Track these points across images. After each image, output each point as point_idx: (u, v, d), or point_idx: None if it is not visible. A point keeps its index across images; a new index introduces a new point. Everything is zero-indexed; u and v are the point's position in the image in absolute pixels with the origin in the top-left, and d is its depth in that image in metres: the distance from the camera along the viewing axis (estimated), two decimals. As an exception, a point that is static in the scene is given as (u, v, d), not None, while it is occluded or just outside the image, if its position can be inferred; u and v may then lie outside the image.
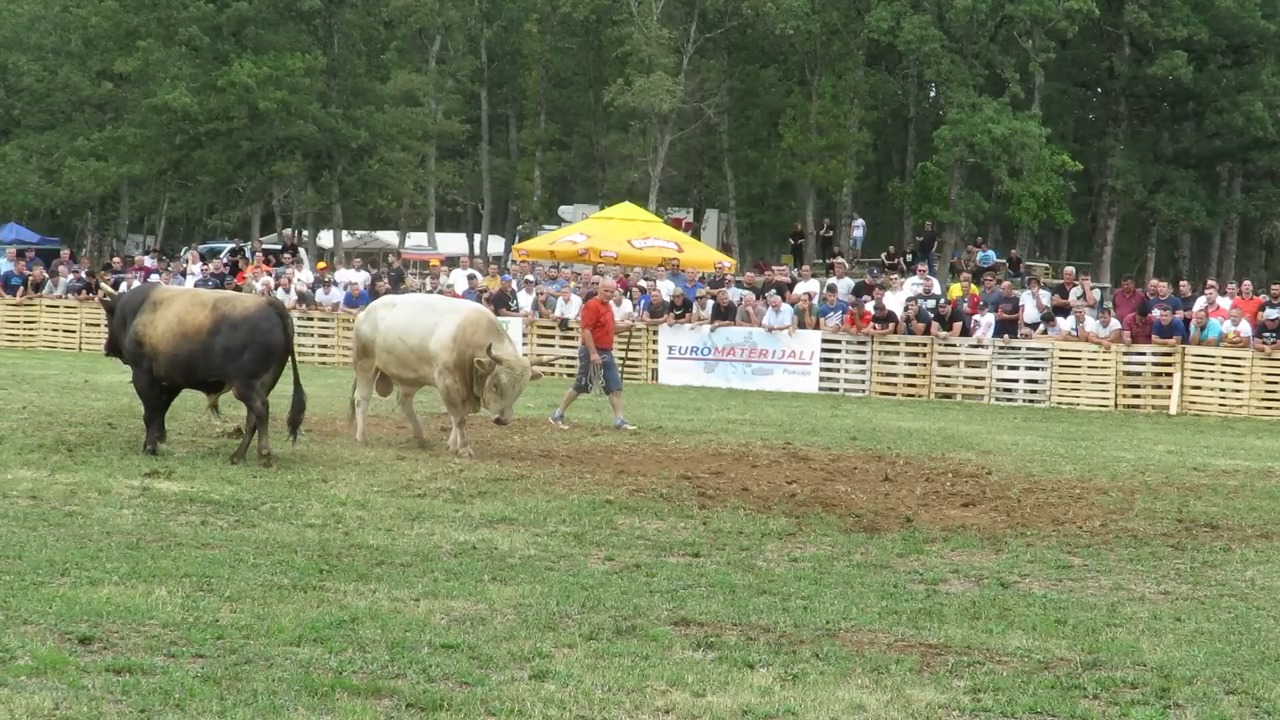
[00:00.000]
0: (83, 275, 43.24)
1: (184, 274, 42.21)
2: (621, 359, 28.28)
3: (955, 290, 38.89)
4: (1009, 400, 33.63)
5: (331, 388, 30.53)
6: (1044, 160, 58.29)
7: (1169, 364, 32.76)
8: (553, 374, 32.86)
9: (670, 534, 14.45)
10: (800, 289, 38.01)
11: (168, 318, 18.87)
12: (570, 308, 37.09)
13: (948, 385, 34.35)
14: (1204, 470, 21.47)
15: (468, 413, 20.20)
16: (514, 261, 44.69)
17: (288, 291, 39.95)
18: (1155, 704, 9.06)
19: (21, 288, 42.27)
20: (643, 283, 38.88)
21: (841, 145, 65.37)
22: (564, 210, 69.74)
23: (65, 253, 51.16)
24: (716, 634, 10.31)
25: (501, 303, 37.44)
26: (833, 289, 37.12)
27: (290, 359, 18.86)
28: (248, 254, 53.12)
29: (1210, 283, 40.14)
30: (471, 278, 40.76)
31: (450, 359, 19.64)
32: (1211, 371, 32.75)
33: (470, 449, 19.73)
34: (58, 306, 41.69)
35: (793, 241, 64.43)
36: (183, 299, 19.42)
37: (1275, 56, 62.68)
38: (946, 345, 34.35)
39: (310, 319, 39.14)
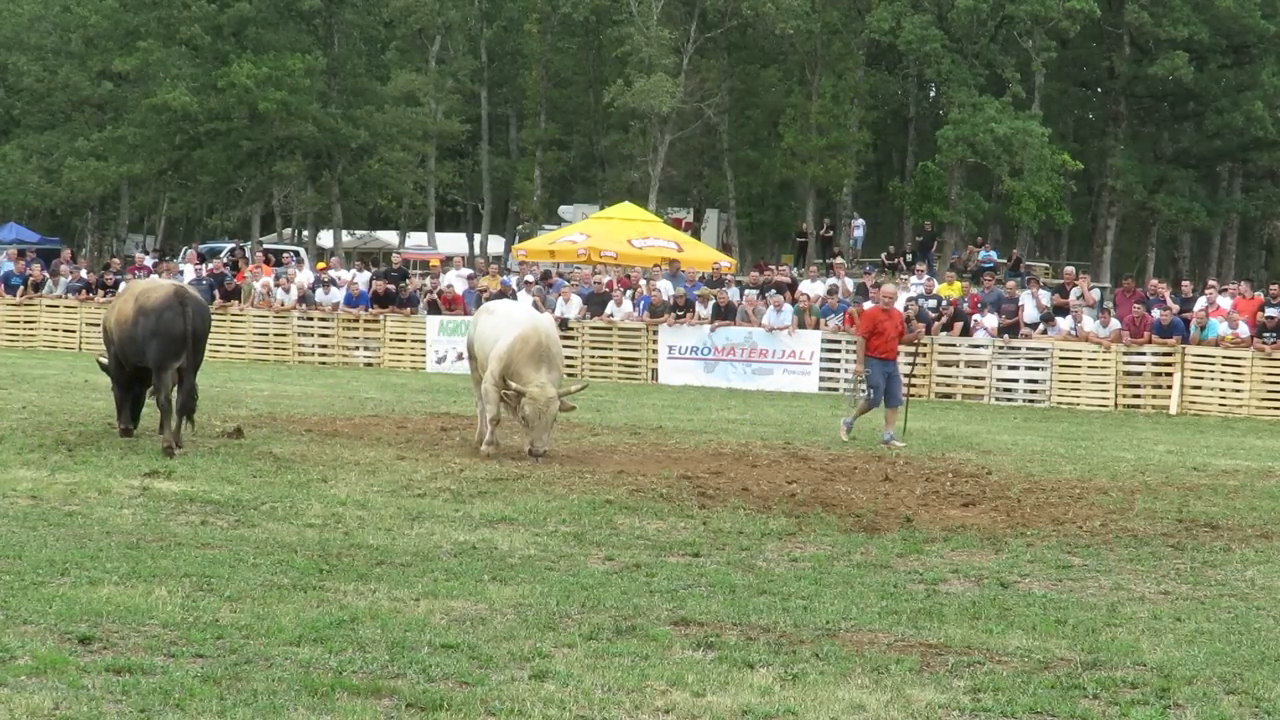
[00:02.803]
0: (82, 275, 43.24)
1: (179, 273, 42.10)
2: (908, 375, 26.17)
3: (946, 290, 38.72)
4: (1009, 400, 33.63)
5: (331, 388, 30.59)
6: (1045, 160, 58.37)
7: (1169, 364, 32.76)
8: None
9: (670, 534, 14.44)
10: (806, 289, 37.92)
11: (118, 306, 20.07)
12: (570, 308, 37.09)
13: (948, 385, 34.36)
14: (1204, 470, 21.45)
15: (500, 415, 20.08)
16: (521, 263, 44.71)
17: (287, 292, 39.96)
18: (1155, 704, 9.04)
19: (21, 287, 42.27)
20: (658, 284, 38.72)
21: (841, 145, 65.48)
22: (564, 210, 69.83)
23: (66, 252, 51.20)
24: (716, 634, 10.30)
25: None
26: (833, 290, 37.10)
27: (194, 348, 19.26)
28: (247, 254, 53.13)
29: (1211, 282, 40.14)
30: (471, 277, 40.78)
31: (496, 368, 19.81)
32: (1211, 371, 32.73)
33: (491, 449, 19.63)
34: (58, 306, 41.70)
35: (799, 239, 64.48)
36: (132, 289, 20.51)
37: (1275, 56, 62.80)
38: (946, 345, 34.37)
39: (310, 319, 39.15)
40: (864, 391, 23.86)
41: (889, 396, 23.76)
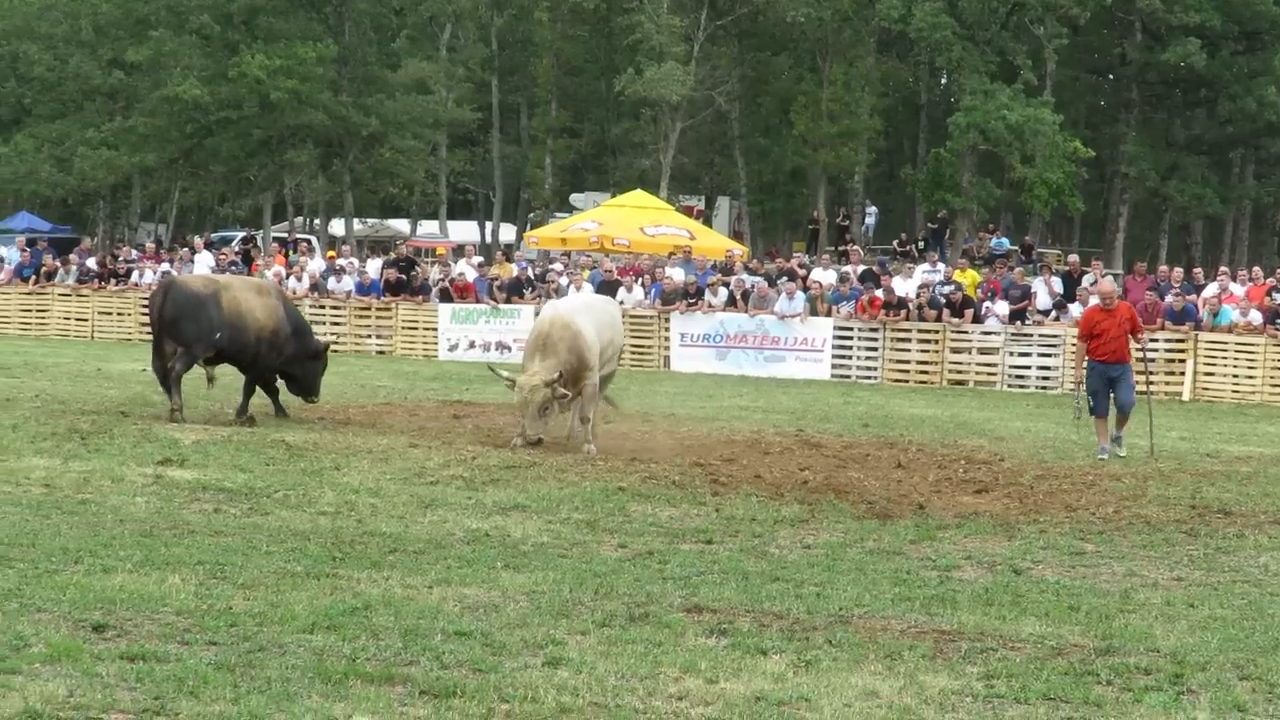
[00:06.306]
0: (89, 265, 43.12)
1: (189, 264, 41.99)
2: (1142, 375, 23.32)
3: (962, 276, 38.48)
4: (1021, 387, 33.57)
5: (343, 376, 30.55)
6: (1056, 147, 58.25)
7: (1181, 350, 32.69)
8: None
9: (683, 521, 14.45)
10: (820, 277, 37.75)
11: None
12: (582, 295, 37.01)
13: (960, 372, 34.32)
14: (1217, 456, 21.46)
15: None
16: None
17: (299, 280, 39.95)
18: (1169, 690, 9.04)
19: (34, 276, 42.27)
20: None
21: (853, 132, 65.36)
22: (575, 198, 69.74)
23: (87, 241, 51.34)
24: (729, 621, 10.31)
25: (516, 290, 37.46)
26: (844, 278, 37.01)
27: (161, 329, 21.34)
28: (258, 243, 53.12)
29: (1223, 269, 40.03)
30: (481, 265, 40.78)
31: None
32: (1224, 357, 32.67)
33: (519, 440, 19.36)
34: (70, 295, 41.70)
35: (810, 226, 64.43)
36: None
37: (1288, 42, 62.63)
38: (958, 332, 34.32)
39: (322, 307, 39.12)
40: (1083, 399, 21.67)
41: (1117, 398, 21.43)
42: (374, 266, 41.35)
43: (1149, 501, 16.53)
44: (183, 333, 21.10)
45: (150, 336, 22.71)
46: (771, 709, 8.47)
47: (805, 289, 36.04)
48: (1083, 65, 73.65)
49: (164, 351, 21.21)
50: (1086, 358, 21.73)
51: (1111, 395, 21.41)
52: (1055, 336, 33.72)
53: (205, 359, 21.51)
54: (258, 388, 22.08)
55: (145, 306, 22.72)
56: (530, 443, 19.08)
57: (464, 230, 76.83)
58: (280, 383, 22.31)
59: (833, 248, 55.29)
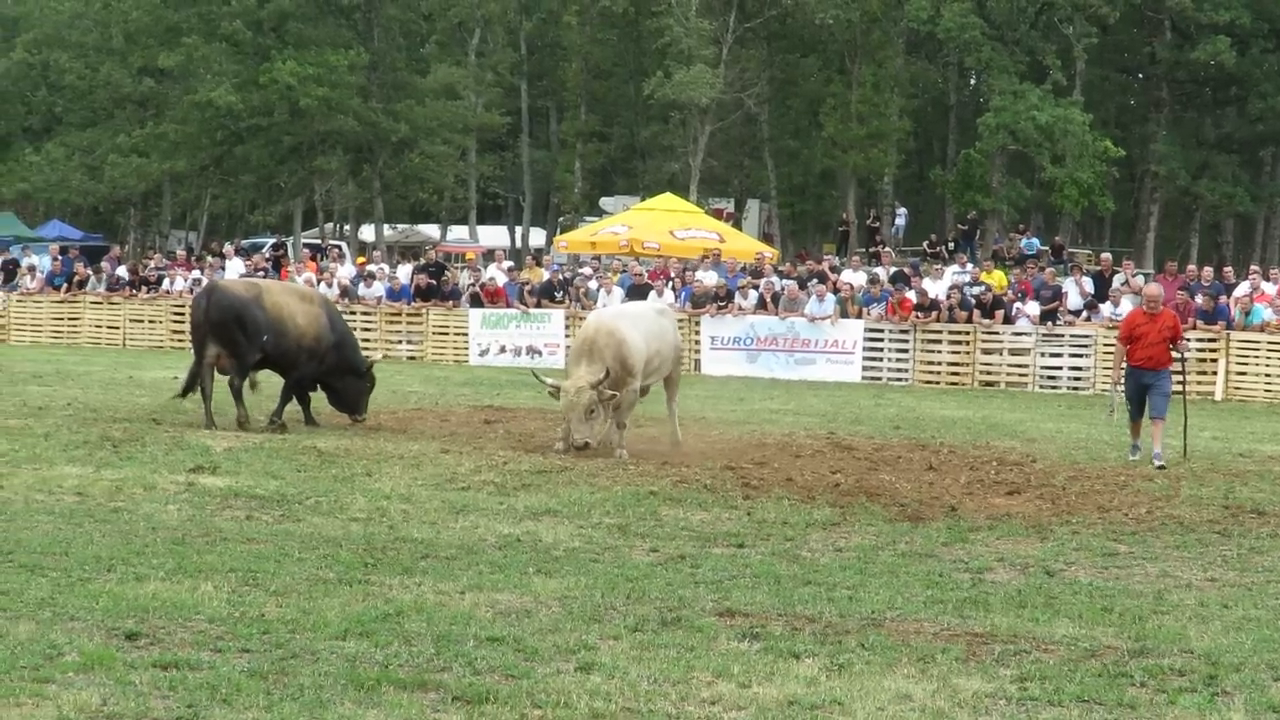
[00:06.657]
0: (119, 273, 43.18)
1: (220, 270, 42.14)
2: (1180, 383, 21.91)
3: (991, 277, 38.36)
4: (1053, 388, 33.50)
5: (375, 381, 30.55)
6: (1086, 147, 58.13)
7: (1214, 350, 32.58)
8: None
9: (714, 525, 14.44)
10: (850, 279, 37.70)
11: None
12: (612, 298, 37.04)
13: (991, 373, 34.25)
14: (1250, 456, 21.39)
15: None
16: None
17: (330, 286, 40.02)
18: (1203, 691, 9.01)
19: (66, 284, 42.42)
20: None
21: (882, 134, 65.27)
22: (605, 202, 69.73)
23: (117, 250, 51.44)
24: (762, 624, 10.30)
25: (546, 294, 37.52)
26: (875, 280, 36.96)
27: (205, 333, 21.36)
28: (289, 250, 53.22)
29: (1254, 268, 39.88)
30: (512, 270, 40.85)
31: None
32: (1256, 357, 32.56)
33: (561, 445, 19.46)
34: (101, 303, 41.83)
35: (840, 229, 64.39)
36: None
37: (1319, 41, 62.45)
38: (989, 333, 34.25)
39: (353, 313, 39.17)
40: (1118, 403, 21.32)
41: (1149, 408, 20.50)
42: (404, 272, 41.48)
43: (1182, 502, 16.48)
44: (230, 336, 21.16)
45: (188, 343, 23.03)
46: (804, 713, 8.46)
47: (835, 291, 36.02)
48: (1112, 64, 73.49)
49: (206, 355, 21.24)
50: (1124, 362, 21.16)
51: (1146, 403, 20.59)
52: (1087, 337, 33.65)
53: None
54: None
55: (178, 313, 22.39)
56: (578, 448, 19.07)
57: (494, 235, 76.85)
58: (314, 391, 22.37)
59: (863, 249, 55.27)
